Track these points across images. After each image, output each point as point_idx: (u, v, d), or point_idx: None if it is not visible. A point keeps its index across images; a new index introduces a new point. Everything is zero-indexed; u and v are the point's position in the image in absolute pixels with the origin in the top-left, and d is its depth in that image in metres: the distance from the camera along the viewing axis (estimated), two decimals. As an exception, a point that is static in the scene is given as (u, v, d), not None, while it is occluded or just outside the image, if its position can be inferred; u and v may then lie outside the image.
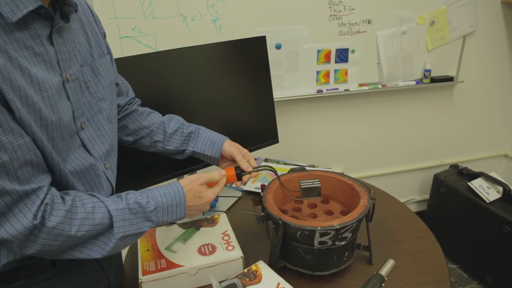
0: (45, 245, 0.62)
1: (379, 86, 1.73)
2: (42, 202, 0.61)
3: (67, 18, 0.68)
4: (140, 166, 1.06)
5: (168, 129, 0.96)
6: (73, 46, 0.71)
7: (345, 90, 1.70)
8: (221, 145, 0.96)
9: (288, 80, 1.63)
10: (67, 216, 0.63)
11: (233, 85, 1.19)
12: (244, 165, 0.90)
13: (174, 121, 0.98)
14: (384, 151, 1.96)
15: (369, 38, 1.66)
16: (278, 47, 1.56)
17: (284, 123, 1.73)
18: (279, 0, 1.49)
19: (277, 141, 1.30)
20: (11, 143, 0.57)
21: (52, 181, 0.67)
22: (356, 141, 1.89)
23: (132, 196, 0.72)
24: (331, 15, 1.58)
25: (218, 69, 1.16)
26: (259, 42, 1.21)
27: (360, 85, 1.72)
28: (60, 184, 0.68)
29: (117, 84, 0.91)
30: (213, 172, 0.83)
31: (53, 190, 0.65)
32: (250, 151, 1.25)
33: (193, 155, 0.98)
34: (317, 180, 0.87)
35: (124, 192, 0.73)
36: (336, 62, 1.66)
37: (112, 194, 0.84)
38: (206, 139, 0.97)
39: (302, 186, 0.85)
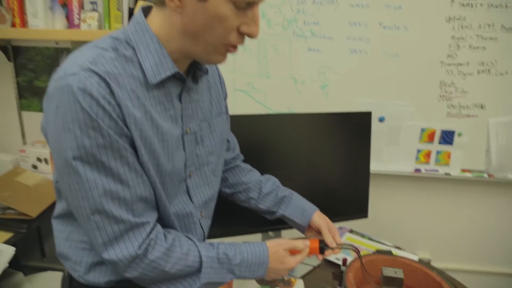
0: (143, 274, 0.70)
1: (485, 175, 1.62)
2: (148, 235, 0.70)
3: (197, 81, 0.80)
4: (232, 216, 1.13)
5: (263, 189, 1.03)
6: (197, 104, 0.82)
7: (445, 173, 1.62)
8: (311, 215, 0.99)
9: (387, 154, 1.61)
10: (166, 253, 0.71)
11: (331, 154, 1.23)
12: (329, 240, 0.91)
13: (270, 182, 1.04)
14: (482, 246, 1.78)
15: (480, 123, 1.58)
16: (381, 120, 1.57)
17: (375, 197, 1.70)
18: (388, 75, 1.52)
19: (366, 216, 1.29)
20: (133, 180, 0.68)
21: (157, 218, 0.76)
22: (450, 229, 1.76)
23: (222, 247, 0.78)
24: (440, 95, 1.55)
25: (320, 137, 1.21)
26: (365, 117, 1.24)
27: (463, 170, 1.63)
28: (162, 221, 0.78)
29: (227, 141, 1.01)
30: (298, 241, 0.86)
31: (159, 227, 0.74)
32: (338, 221, 1.26)
33: (282, 218, 1.03)
34: (401, 270, 0.84)
35: (217, 242, 0.79)
36: (439, 143, 1.60)
37: (204, 239, 0.91)
38: (297, 206, 1.01)
39: (384, 274, 0.84)
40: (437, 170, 1.62)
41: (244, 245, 0.81)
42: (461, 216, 1.74)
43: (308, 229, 1.01)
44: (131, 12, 1.30)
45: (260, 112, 1.55)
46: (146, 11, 0.73)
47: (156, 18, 0.70)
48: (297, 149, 1.19)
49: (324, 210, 1.22)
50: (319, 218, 0.99)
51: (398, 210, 1.73)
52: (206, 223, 0.91)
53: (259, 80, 1.54)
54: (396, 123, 1.58)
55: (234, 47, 0.71)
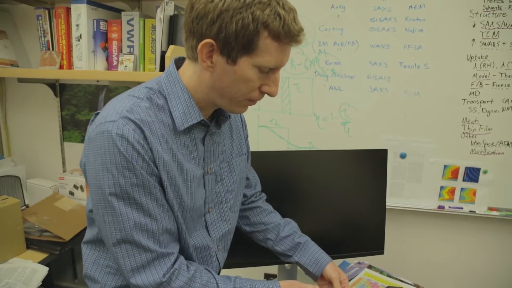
0: None
1: (513, 214, 1.58)
2: (172, 265, 0.77)
3: (220, 126, 0.88)
4: (249, 247, 1.18)
5: (281, 232, 1.09)
6: (218, 146, 0.90)
7: (470, 211, 1.60)
8: (324, 266, 1.06)
9: (408, 190, 1.61)
10: (188, 283, 0.78)
11: (348, 190, 1.27)
12: None
13: (288, 227, 1.11)
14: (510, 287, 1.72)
15: (507, 160, 1.56)
16: (403, 156, 1.59)
17: (395, 232, 1.69)
18: (409, 113, 1.54)
19: (382, 253, 1.29)
20: (160, 214, 0.76)
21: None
22: (475, 268, 1.71)
23: (239, 281, 0.84)
24: (463, 133, 1.55)
25: (338, 173, 1.26)
26: (381, 155, 1.27)
27: (490, 209, 1.60)
28: (182, 252, 0.85)
29: (247, 178, 1.08)
30: (309, 285, 0.92)
31: (182, 258, 0.82)
32: (355, 256, 1.28)
33: (297, 264, 1.08)
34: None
35: (234, 276, 0.85)
36: (464, 180, 1.59)
37: (219, 272, 0.97)
38: (311, 255, 1.07)
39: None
40: (461, 208, 1.60)
41: (259, 282, 0.88)
42: (488, 255, 1.69)
43: (320, 277, 1.06)
44: (162, 55, 1.41)
45: (283, 147, 1.62)
46: (178, 62, 0.83)
47: (188, 70, 0.80)
48: (316, 184, 1.24)
49: (341, 245, 1.26)
50: (332, 271, 1.05)
51: (420, 247, 1.70)
52: (222, 255, 0.97)
53: (282, 117, 1.61)
54: (418, 159, 1.59)
55: (254, 101, 0.80)
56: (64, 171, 1.93)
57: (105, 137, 0.70)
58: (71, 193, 1.75)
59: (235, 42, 0.70)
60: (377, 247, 1.29)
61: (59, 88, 1.84)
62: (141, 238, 0.74)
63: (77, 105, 1.84)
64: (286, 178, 1.23)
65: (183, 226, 0.82)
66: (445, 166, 1.59)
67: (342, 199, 1.26)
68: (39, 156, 1.96)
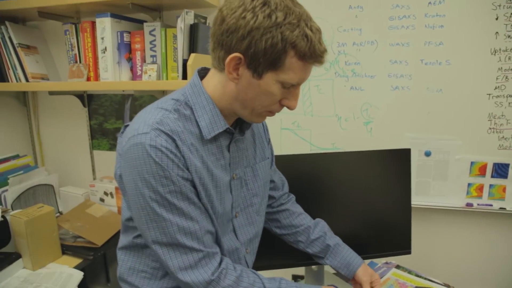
0: None
1: (546, 210, 1.54)
2: (219, 264, 0.81)
3: (244, 132, 0.91)
4: (276, 249, 1.20)
5: (311, 235, 1.11)
6: (242, 152, 0.93)
7: (500, 208, 1.56)
8: (356, 269, 1.08)
9: (435, 189, 1.59)
10: (236, 282, 0.81)
11: (373, 190, 1.27)
12: None
13: (318, 228, 1.12)
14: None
15: (538, 156, 1.52)
16: (428, 154, 1.57)
17: (423, 232, 1.67)
18: (432, 110, 1.53)
19: (409, 252, 1.28)
20: (200, 216, 0.80)
21: None
22: (506, 268, 1.66)
23: (284, 283, 0.87)
24: (490, 128, 1.52)
25: (362, 173, 1.26)
26: (404, 154, 1.26)
27: (521, 205, 1.56)
28: None
29: (273, 181, 1.10)
30: None
31: (227, 258, 0.85)
32: (382, 256, 1.28)
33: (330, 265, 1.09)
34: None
35: (279, 277, 0.89)
36: (492, 176, 1.56)
37: None
38: (343, 258, 1.09)
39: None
40: (491, 205, 1.57)
41: (304, 285, 0.92)
42: (521, 253, 1.65)
43: (352, 279, 1.08)
44: (184, 63, 1.45)
45: (306, 149, 1.63)
46: (201, 72, 0.87)
47: (212, 80, 0.83)
48: (341, 186, 1.24)
49: (367, 246, 1.26)
50: (363, 274, 1.06)
51: (449, 246, 1.67)
52: (251, 259, 1.00)
53: (304, 119, 1.62)
54: (443, 157, 1.57)
55: (273, 113, 0.84)
56: (94, 179, 2.01)
57: (139, 149, 0.74)
58: (102, 200, 1.81)
59: (263, 59, 0.73)
60: (404, 246, 1.28)
61: (87, 98, 1.91)
62: (186, 240, 0.78)
63: (104, 114, 1.91)
64: (310, 181, 1.24)
65: (217, 229, 0.85)
66: (472, 163, 1.56)
67: (367, 199, 1.26)
68: (70, 164, 2.05)
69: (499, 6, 1.41)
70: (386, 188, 1.28)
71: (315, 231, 1.11)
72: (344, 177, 1.26)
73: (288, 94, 0.80)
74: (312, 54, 0.74)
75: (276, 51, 0.72)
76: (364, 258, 1.22)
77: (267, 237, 1.10)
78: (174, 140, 0.76)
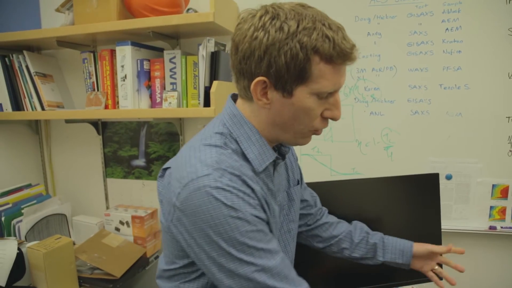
0: None
1: None
2: None
3: (284, 157, 0.88)
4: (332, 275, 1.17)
5: (354, 238, 1.08)
6: (281, 178, 0.91)
7: (524, 231, 1.55)
8: (411, 252, 1.05)
9: (456, 212, 1.58)
10: None
11: (400, 217, 1.26)
12: (442, 249, 1.06)
13: (358, 230, 1.10)
14: None
15: (558, 178, 1.53)
16: (449, 178, 1.57)
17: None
18: (453, 133, 1.53)
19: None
20: (281, 253, 0.74)
21: None
22: (535, 290, 1.64)
23: None
24: (510, 151, 1.53)
25: (387, 199, 1.25)
26: (432, 179, 1.26)
27: (544, 227, 1.55)
28: None
29: (305, 200, 1.08)
30: None
31: None
32: (412, 283, 1.25)
33: (384, 263, 1.07)
34: None
35: None
36: (514, 199, 1.56)
37: None
38: (394, 249, 1.06)
39: None
40: (514, 228, 1.56)
41: None
42: (547, 277, 1.63)
43: (413, 262, 1.06)
44: (206, 90, 1.45)
45: (326, 175, 1.62)
46: (232, 99, 0.82)
47: (245, 110, 0.78)
48: (366, 212, 1.23)
49: (396, 273, 1.23)
50: (420, 247, 1.06)
51: (473, 270, 1.65)
52: None
53: (324, 144, 1.62)
54: (464, 180, 1.56)
55: (319, 131, 0.78)
56: (107, 207, 1.97)
57: (202, 194, 0.67)
58: (117, 229, 1.77)
59: (288, 75, 0.68)
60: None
61: (101, 126, 1.90)
62: (276, 282, 0.70)
63: (119, 142, 1.89)
64: (335, 208, 1.22)
65: None
66: (494, 186, 1.56)
67: (394, 226, 1.24)
68: (83, 193, 2.01)
69: (515, 31, 1.44)
70: (414, 214, 1.27)
71: (356, 234, 1.08)
72: (371, 204, 1.24)
73: (327, 104, 0.74)
74: (340, 54, 0.68)
75: (298, 62, 0.67)
76: (391, 286, 1.20)
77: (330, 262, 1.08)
78: (239, 177, 0.70)
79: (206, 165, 0.69)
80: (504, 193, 1.55)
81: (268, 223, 0.76)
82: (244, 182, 0.71)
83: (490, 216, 1.58)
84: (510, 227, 1.56)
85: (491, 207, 1.57)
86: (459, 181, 1.57)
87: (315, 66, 0.68)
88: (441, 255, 1.09)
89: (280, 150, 0.87)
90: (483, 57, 1.47)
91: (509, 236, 1.60)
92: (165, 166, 0.80)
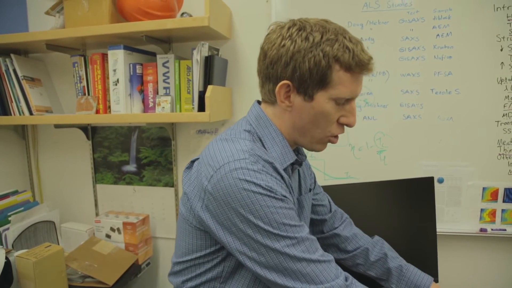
0: None
1: (557, 233, 1.57)
2: (342, 272, 0.76)
3: (301, 164, 0.90)
4: None
5: (370, 257, 1.07)
6: (295, 184, 0.92)
7: (513, 233, 1.58)
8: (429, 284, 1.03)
9: (448, 215, 1.61)
10: None
11: (395, 221, 1.27)
12: None
13: (377, 249, 1.08)
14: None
15: (546, 180, 1.56)
16: (440, 181, 1.59)
17: (440, 258, 1.67)
18: (443, 138, 1.56)
19: (436, 280, 1.27)
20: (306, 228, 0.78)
21: None
22: (525, 291, 1.68)
23: None
24: (500, 154, 1.56)
25: (381, 203, 1.26)
26: (427, 183, 1.27)
27: (533, 229, 1.59)
28: None
29: (323, 205, 1.07)
30: None
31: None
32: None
33: None
34: None
35: None
36: (504, 201, 1.58)
37: None
38: (409, 281, 1.04)
39: None
40: (505, 229, 1.59)
41: None
42: (536, 278, 1.66)
43: None
44: (200, 95, 1.44)
45: (320, 179, 1.62)
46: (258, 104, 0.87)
47: (268, 113, 0.84)
48: (360, 217, 1.23)
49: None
50: None
51: (464, 271, 1.67)
52: None
53: (317, 148, 1.62)
54: (456, 183, 1.59)
55: (336, 137, 0.82)
56: (97, 214, 1.93)
57: (239, 173, 0.70)
58: (108, 236, 1.74)
59: (310, 79, 0.75)
60: (431, 275, 1.26)
61: (91, 131, 1.86)
62: (307, 254, 0.72)
63: (109, 147, 1.86)
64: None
65: None
66: (484, 189, 1.58)
67: (389, 231, 1.25)
68: (72, 199, 1.97)
69: (503, 38, 1.47)
70: (409, 217, 1.28)
71: (373, 252, 1.07)
72: (365, 208, 1.25)
73: (343, 111, 0.79)
74: (358, 64, 0.75)
75: (321, 68, 0.74)
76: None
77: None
78: (271, 164, 0.74)
79: (242, 151, 0.74)
80: (494, 196, 1.58)
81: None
82: (276, 169, 0.75)
83: (480, 218, 1.60)
84: (500, 229, 1.59)
85: (482, 210, 1.60)
86: (450, 184, 1.59)
87: (335, 73, 0.74)
88: None
89: (298, 157, 0.90)
90: (473, 62, 1.50)
91: (499, 238, 1.63)
92: (193, 158, 0.84)
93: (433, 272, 1.27)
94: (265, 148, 0.80)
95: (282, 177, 0.76)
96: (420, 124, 1.56)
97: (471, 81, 1.51)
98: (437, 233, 1.59)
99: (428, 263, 1.27)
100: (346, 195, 1.25)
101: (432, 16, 1.50)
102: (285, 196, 0.73)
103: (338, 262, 1.09)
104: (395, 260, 1.07)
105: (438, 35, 1.51)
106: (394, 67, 1.55)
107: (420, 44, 1.52)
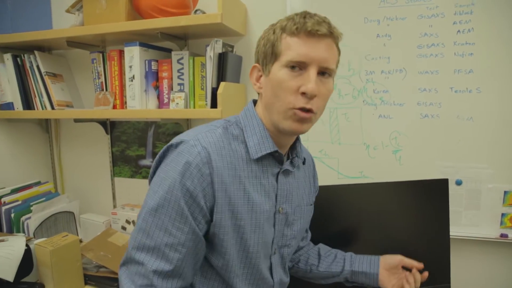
0: None
1: None
2: None
3: (294, 165, 0.89)
4: None
5: (321, 252, 1.11)
6: (293, 189, 0.91)
7: (536, 239, 1.51)
8: (378, 259, 1.06)
9: (466, 218, 1.55)
10: None
11: (407, 222, 1.23)
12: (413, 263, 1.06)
13: (326, 247, 1.14)
14: None
15: None
16: (459, 183, 1.54)
17: (454, 263, 1.61)
18: (463, 138, 1.50)
19: (448, 285, 1.24)
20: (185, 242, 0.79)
21: None
22: (547, 300, 1.60)
23: None
24: (523, 157, 1.49)
25: (396, 204, 1.22)
26: (441, 185, 1.23)
27: (558, 236, 1.51)
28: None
29: (306, 231, 1.10)
30: None
31: None
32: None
33: (351, 278, 1.05)
34: None
35: None
36: (527, 206, 1.52)
37: None
38: (362, 258, 1.08)
39: None
40: (526, 236, 1.52)
41: None
42: (560, 287, 1.58)
43: (381, 276, 1.04)
44: (213, 91, 1.44)
45: (333, 178, 1.60)
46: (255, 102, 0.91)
47: (258, 106, 0.87)
48: (375, 218, 1.21)
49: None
50: (388, 257, 1.07)
51: (482, 278, 1.61)
52: None
53: (331, 147, 1.60)
54: (475, 186, 1.53)
55: (301, 109, 0.77)
56: (114, 206, 1.98)
57: (174, 153, 0.78)
58: (123, 228, 1.78)
59: (266, 56, 0.81)
60: (443, 280, 1.23)
61: (109, 125, 1.91)
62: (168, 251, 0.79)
63: (127, 141, 1.91)
64: (342, 212, 1.21)
65: (236, 262, 0.82)
66: (505, 192, 1.52)
67: (401, 232, 1.23)
68: (91, 191, 2.03)
69: (529, 34, 1.40)
70: (422, 220, 1.24)
71: (323, 250, 1.11)
72: (378, 208, 1.22)
73: (301, 80, 0.76)
74: (303, 26, 0.75)
75: (271, 43, 0.79)
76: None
77: None
78: (208, 153, 0.76)
79: (189, 136, 0.80)
80: (516, 200, 1.52)
81: (216, 210, 0.78)
82: (211, 160, 0.77)
83: (501, 223, 1.54)
84: (522, 235, 1.52)
85: (503, 214, 1.53)
86: (469, 187, 1.54)
87: (283, 41, 0.78)
88: (410, 270, 1.07)
89: (293, 160, 0.90)
90: (495, 60, 1.43)
91: (521, 244, 1.56)
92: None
93: (444, 276, 1.24)
94: (244, 136, 0.84)
95: (213, 168, 0.76)
96: (438, 123, 1.51)
97: (494, 79, 1.44)
98: (454, 237, 1.56)
99: (439, 267, 1.24)
100: (359, 195, 1.23)
101: (453, 12, 1.44)
102: (194, 185, 0.76)
103: (292, 272, 1.10)
104: (347, 253, 1.11)
105: (459, 31, 1.45)
106: (411, 64, 1.50)
107: (440, 40, 1.47)
